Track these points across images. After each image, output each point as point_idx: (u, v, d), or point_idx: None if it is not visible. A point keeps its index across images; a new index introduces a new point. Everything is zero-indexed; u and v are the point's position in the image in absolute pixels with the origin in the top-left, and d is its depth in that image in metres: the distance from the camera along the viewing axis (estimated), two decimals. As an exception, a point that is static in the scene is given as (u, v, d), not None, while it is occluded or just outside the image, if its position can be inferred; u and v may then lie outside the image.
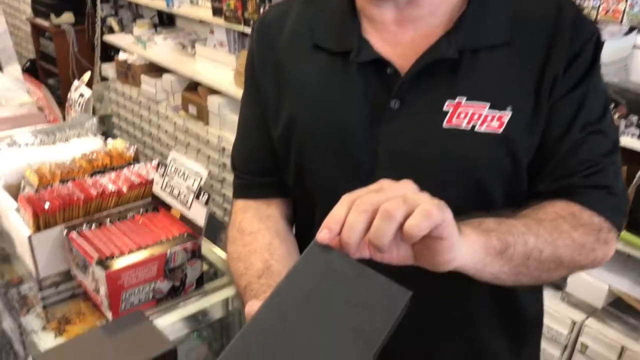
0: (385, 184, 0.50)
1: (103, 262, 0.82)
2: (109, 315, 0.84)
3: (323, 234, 0.48)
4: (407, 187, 0.50)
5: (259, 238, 0.75)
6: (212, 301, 0.90)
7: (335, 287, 0.46)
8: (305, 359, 0.43)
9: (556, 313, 1.55)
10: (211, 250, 1.01)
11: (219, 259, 0.99)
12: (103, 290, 0.82)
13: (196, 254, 0.88)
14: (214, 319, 0.91)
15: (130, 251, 0.85)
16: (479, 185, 0.69)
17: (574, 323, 1.54)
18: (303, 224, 0.83)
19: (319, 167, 0.74)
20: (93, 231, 0.91)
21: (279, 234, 0.76)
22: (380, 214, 0.47)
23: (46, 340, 0.87)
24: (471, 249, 0.54)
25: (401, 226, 0.47)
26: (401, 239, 0.49)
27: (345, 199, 0.49)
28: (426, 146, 0.68)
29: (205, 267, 0.95)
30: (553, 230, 0.63)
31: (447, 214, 0.48)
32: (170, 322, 0.85)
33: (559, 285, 1.58)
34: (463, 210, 0.54)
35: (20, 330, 0.93)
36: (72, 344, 0.72)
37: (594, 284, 1.52)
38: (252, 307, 0.49)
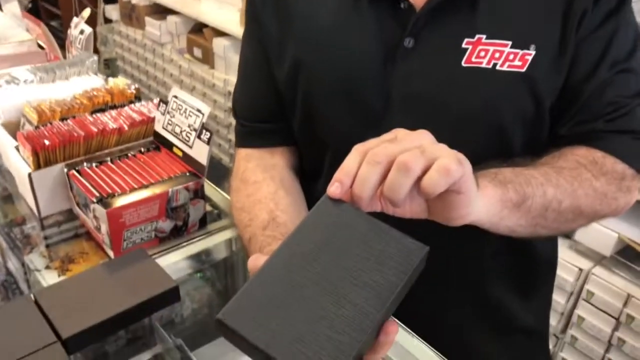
0: (400, 133, 0.47)
1: (104, 200, 0.81)
2: (111, 254, 0.83)
3: (334, 188, 0.45)
4: (424, 137, 0.46)
5: (263, 188, 0.72)
6: (215, 241, 0.89)
7: (346, 241, 0.44)
8: (314, 313, 0.41)
9: (563, 261, 1.54)
10: (215, 192, 0.99)
11: (223, 200, 0.98)
12: (104, 228, 0.81)
13: (199, 193, 0.87)
14: (218, 259, 0.91)
15: (132, 189, 0.83)
16: (499, 130, 0.66)
17: (580, 271, 1.53)
18: (310, 173, 0.79)
19: (326, 112, 0.71)
20: (94, 169, 0.89)
21: (284, 184, 0.73)
22: (396, 166, 0.44)
23: (50, 279, 0.86)
24: (487, 202, 0.52)
25: (418, 180, 0.44)
26: (417, 193, 0.46)
27: (357, 150, 0.46)
28: (443, 87, 0.64)
29: (208, 208, 0.93)
30: (573, 179, 0.60)
31: (467, 167, 0.45)
32: (173, 262, 0.84)
33: (567, 234, 1.57)
34: (481, 158, 0.51)
35: (24, 269, 0.93)
36: (73, 281, 0.71)
37: (603, 232, 1.50)
38: (256, 261, 0.47)
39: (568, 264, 1.54)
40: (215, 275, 0.94)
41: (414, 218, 0.50)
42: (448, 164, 0.43)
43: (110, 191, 0.83)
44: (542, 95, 0.64)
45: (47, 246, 0.93)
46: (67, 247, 0.93)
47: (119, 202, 0.80)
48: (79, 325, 0.64)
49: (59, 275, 0.87)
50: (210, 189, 0.97)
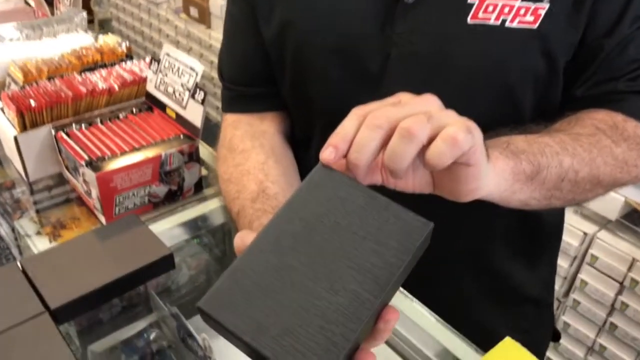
0: (404, 97, 0.42)
1: (94, 164, 0.77)
2: (103, 219, 0.80)
3: (327, 153, 0.41)
4: (431, 102, 0.42)
5: (252, 157, 0.67)
6: (211, 206, 0.85)
7: (341, 218, 0.40)
8: (304, 301, 0.37)
9: (568, 225, 1.51)
10: (211, 155, 0.95)
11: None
12: (95, 193, 0.77)
13: (193, 156, 0.83)
14: (215, 225, 0.87)
15: (123, 153, 0.79)
16: (508, 93, 0.61)
17: (585, 235, 1.50)
18: (300, 143, 0.74)
19: (318, 74, 0.65)
20: (83, 131, 0.85)
21: (274, 152, 0.68)
22: (398, 132, 0.39)
23: (40, 245, 0.84)
24: (498, 175, 0.47)
25: (423, 149, 0.39)
26: (422, 165, 0.41)
27: (356, 113, 0.41)
28: (447, 47, 0.59)
29: (204, 171, 0.89)
30: (591, 146, 0.56)
31: (477, 137, 0.40)
32: (167, 228, 0.81)
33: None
34: (488, 124, 0.46)
35: (14, 235, 0.90)
36: (62, 248, 0.68)
37: (609, 195, 1.46)
38: (244, 239, 0.43)
39: (573, 228, 1.51)
40: (213, 242, 0.91)
41: (417, 192, 0.45)
42: (455, 133, 0.39)
43: (100, 154, 0.79)
44: (555, 53, 0.59)
45: (38, 211, 0.90)
46: (59, 213, 0.90)
47: (110, 165, 0.77)
48: (68, 295, 0.61)
49: (50, 241, 0.84)
50: (205, 152, 0.93)
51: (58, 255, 0.66)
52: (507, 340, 0.50)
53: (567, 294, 1.59)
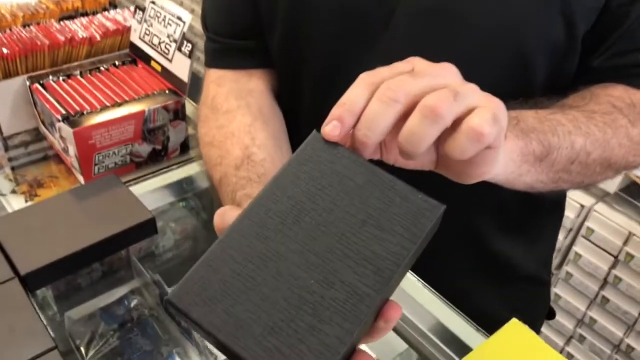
0: (418, 64, 0.37)
1: (71, 119, 0.71)
2: (81, 178, 0.74)
3: (331, 128, 0.35)
4: (450, 73, 0.37)
5: (237, 118, 0.61)
6: (198, 168, 0.80)
7: (338, 196, 0.34)
8: (293, 295, 0.32)
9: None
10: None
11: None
12: (72, 150, 0.72)
13: (179, 114, 0.77)
14: (201, 188, 0.82)
15: (103, 108, 0.74)
16: (521, 59, 0.55)
17: (582, 207, 1.48)
18: (288, 103, 0.68)
19: (313, 30, 0.59)
20: (60, 84, 0.78)
21: (262, 114, 0.62)
22: (421, 111, 0.34)
23: (16, 205, 0.79)
24: (506, 156, 0.43)
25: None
26: (435, 147, 0.37)
27: (365, 80, 0.36)
28: (459, 4, 0.53)
29: (191, 130, 0.84)
30: (606, 126, 0.51)
31: (503, 123, 0.36)
32: (151, 190, 0.76)
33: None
34: (497, 94, 0.41)
35: (-12, 193, 0.85)
36: (35, 209, 0.63)
37: (609, 168, 1.43)
38: (224, 218, 0.37)
39: (570, 200, 1.48)
40: (200, 205, 0.86)
41: (417, 169, 0.41)
42: (481, 127, 0.34)
43: (78, 109, 0.73)
44: (576, 18, 0.53)
45: (13, 169, 0.85)
46: (35, 170, 0.85)
47: (89, 121, 0.71)
48: (40, 260, 0.56)
49: (26, 201, 0.79)
50: (193, 109, 0.88)
51: (30, 217, 0.61)
52: (514, 322, 0.47)
53: (560, 266, 1.57)
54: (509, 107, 0.47)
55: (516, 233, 0.70)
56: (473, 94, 0.36)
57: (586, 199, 1.48)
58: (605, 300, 1.47)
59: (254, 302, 0.31)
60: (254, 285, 0.32)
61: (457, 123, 0.35)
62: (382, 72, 0.36)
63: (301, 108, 0.65)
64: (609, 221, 1.43)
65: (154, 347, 0.69)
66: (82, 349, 0.69)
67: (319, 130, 0.37)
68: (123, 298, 0.74)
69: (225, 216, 0.38)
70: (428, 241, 0.35)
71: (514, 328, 0.46)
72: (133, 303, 0.73)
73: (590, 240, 1.47)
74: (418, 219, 0.34)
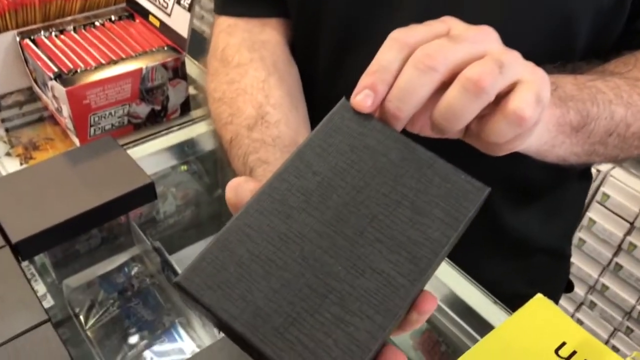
0: (457, 26, 0.33)
1: (64, 77, 0.67)
2: (77, 141, 0.71)
3: (362, 99, 0.31)
4: (490, 38, 0.32)
5: (249, 73, 0.55)
6: (200, 130, 0.76)
7: (369, 174, 0.31)
8: (319, 281, 0.28)
9: (581, 161, 1.43)
10: (200, 71, 0.84)
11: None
12: (66, 111, 0.68)
13: (179, 72, 0.73)
14: (204, 151, 0.79)
15: (98, 65, 0.69)
16: (565, 19, 0.49)
17: (598, 172, 1.43)
18: (303, 56, 0.62)
19: None
20: (53, 40, 0.74)
21: (277, 68, 0.56)
22: (462, 84, 0.30)
23: (10, 167, 0.75)
24: (542, 127, 0.39)
25: None
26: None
27: (397, 40, 0.32)
28: None
29: (192, 91, 0.80)
30: None
31: (546, 99, 0.32)
32: (150, 153, 0.72)
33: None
34: (536, 58, 0.37)
35: (-18, 155, 0.81)
36: (27, 173, 0.60)
37: (628, 131, 1.38)
38: (239, 191, 0.33)
39: (586, 164, 1.44)
40: (202, 170, 0.83)
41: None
42: (523, 110, 0.30)
43: (71, 67, 0.69)
44: None
45: (7, 130, 0.81)
46: (31, 132, 0.81)
47: (82, 79, 0.67)
48: (33, 227, 0.53)
49: (21, 164, 0.76)
50: (193, 67, 0.83)
51: (21, 181, 0.58)
52: (539, 298, 0.43)
53: (573, 232, 1.54)
54: (546, 72, 0.42)
55: (533, 207, 0.66)
56: (517, 65, 0.32)
57: (603, 164, 1.44)
58: (619, 267, 1.44)
59: (274, 288, 0.28)
60: (274, 269, 0.28)
61: (497, 98, 0.31)
62: (416, 31, 0.32)
63: (315, 80, 0.60)
64: (626, 187, 1.39)
65: (155, 317, 0.66)
66: (82, 317, 0.67)
67: (348, 98, 0.33)
68: (123, 265, 0.71)
69: (239, 189, 0.33)
70: (467, 227, 0.31)
71: (539, 304, 0.43)
72: (134, 271, 0.71)
73: (605, 206, 1.43)
74: (460, 202, 0.30)
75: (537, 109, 0.31)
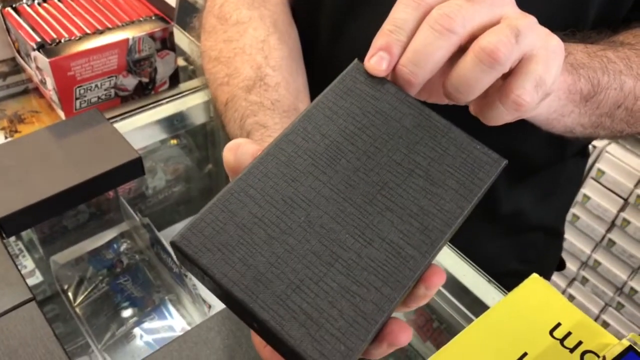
0: None
1: (47, 47, 0.64)
2: (62, 114, 0.69)
3: (376, 62, 0.30)
4: (506, 0, 0.31)
5: (248, 32, 0.52)
6: (190, 103, 0.74)
7: (383, 140, 0.29)
8: (324, 247, 0.26)
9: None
10: (189, 42, 0.82)
11: (199, 53, 0.81)
12: (50, 83, 0.65)
13: (167, 43, 0.70)
14: (194, 124, 0.77)
15: (83, 35, 0.67)
16: None
17: (594, 148, 1.42)
18: (303, 19, 0.59)
19: None
20: (35, 8, 0.71)
21: (277, 28, 0.53)
22: (477, 54, 0.29)
23: (-5, 141, 0.73)
24: (552, 95, 0.38)
25: None
26: None
27: None
28: None
29: (181, 62, 0.77)
30: None
31: (556, 73, 0.31)
32: (138, 127, 0.70)
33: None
34: (547, 25, 0.36)
35: (-34, 128, 0.79)
36: (9, 147, 0.58)
37: (625, 107, 1.36)
38: (239, 153, 0.31)
39: (582, 140, 1.43)
40: (193, 144, 0.81)
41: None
42: (521, 98, 0.30)
43: (55, 36, 0.66)
44: None
45: (-9, 102, 0.79)
46: (16, 105, 0.79)
47: (67, 50, 0.64)
48: (16, 203, 0.51)
49: (5, 137, 0.74)
50: (182, 38, 0.80)
51: (5, 156, 0.56)
52: (534, 277, 0.42)
53: (566, 208, 1.53)
54: None
55: (529, 184, 0.64)
56: (533, 34, 0.30)
57: (598, 140, 1.42)
58: (612, 243, 1.44)
59: (277, 253, 0.26)
60: (277, 233, 0.27)
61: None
62: None
63: (318, 26, 0.57)
64: (621, 162, 1.38)
65: (145, 294, 0.65)
66: (70, 294, 0.66)
67: (361, 59, 0.31)
68: (112, 242, 0.70)
69: (239, 151, 0.32)
70: (480, 200, 0.30)
71: (535, 284, 0.42)
72: (123, 247, 0.70)
73: (600, 182, 1.43)
74: (475, 174, 0.29)
75: (536, 94, 0.30)
